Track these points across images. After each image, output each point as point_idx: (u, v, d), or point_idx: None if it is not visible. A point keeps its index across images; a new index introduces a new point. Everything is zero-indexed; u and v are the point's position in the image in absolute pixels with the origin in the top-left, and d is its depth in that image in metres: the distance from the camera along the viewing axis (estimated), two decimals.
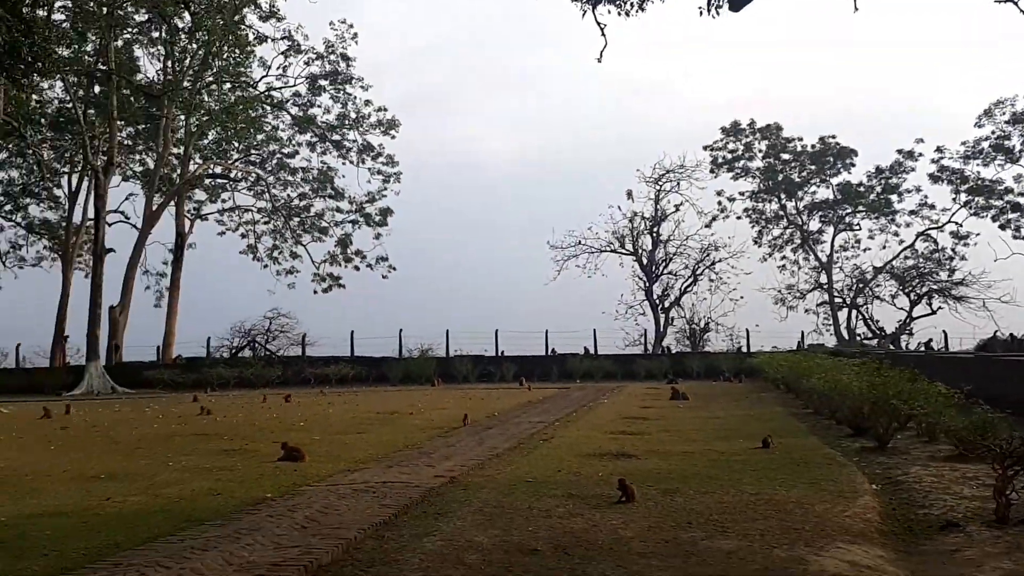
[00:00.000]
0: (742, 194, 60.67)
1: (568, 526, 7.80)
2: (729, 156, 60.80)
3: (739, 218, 60.68)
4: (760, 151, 60.97)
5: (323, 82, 54.31)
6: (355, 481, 10.47)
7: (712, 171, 59.82)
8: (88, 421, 21.70)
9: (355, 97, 54.75)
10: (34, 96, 44.70)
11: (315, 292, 59.31)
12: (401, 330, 48.34)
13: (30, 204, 63.37)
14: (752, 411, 21.34)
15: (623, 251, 58.35)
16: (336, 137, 56.78)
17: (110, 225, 52.14)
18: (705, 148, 60.41)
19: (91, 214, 50.08)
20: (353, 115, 55.70)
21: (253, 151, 58.53)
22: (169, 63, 49.94)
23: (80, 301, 53.69)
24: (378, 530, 7.68)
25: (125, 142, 54.57)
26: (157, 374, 42.39)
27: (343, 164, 57.49)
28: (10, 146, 53.20)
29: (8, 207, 63.03)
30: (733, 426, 17.19)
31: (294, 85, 54.07)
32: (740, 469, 11.14)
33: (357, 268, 58.84)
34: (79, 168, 55.90)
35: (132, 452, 14.23)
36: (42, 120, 51.75)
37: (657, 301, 57.03)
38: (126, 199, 56.76)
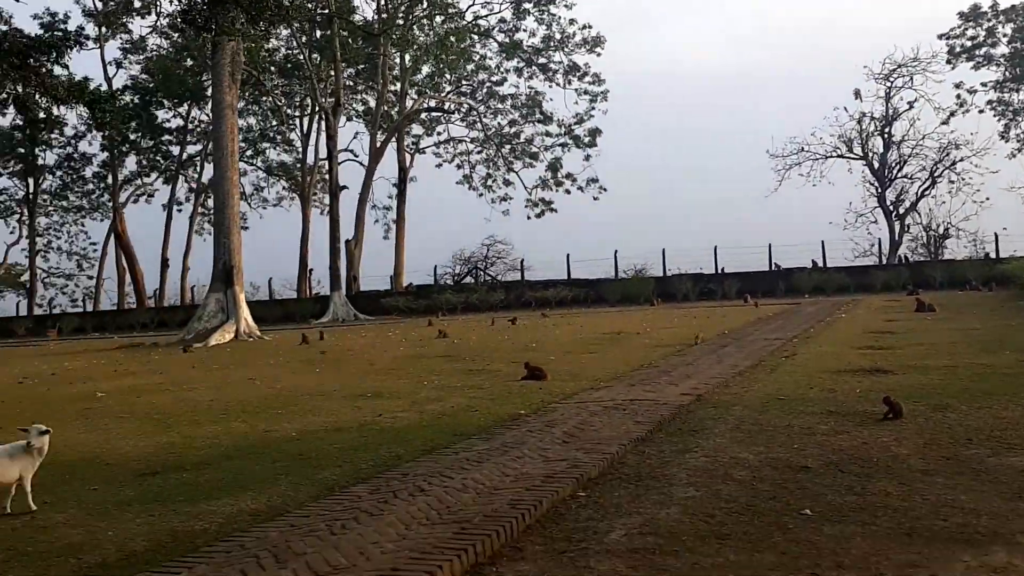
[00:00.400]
0: (984, 85, 54.78)
1: (835, 443, 7.49)
2: (968, 44, 54.70)
3: (982, 112, 54.94)
4: (1004, 36, 54.33)
5: (527, 4, 54.15)
6: (602, 399, 10.65)
7: (949, 62, 54.27)
8: (341, 346, 23.63)
9: (559, 17, 54.30)
10: (264, 45, 48.03)
11: (528, 218, 60.43)
12: (616, 251, 48.33)
13: (268, 148, 69.20)
14: (1014, 321, 19.47)
15: (851, 156, 54.70)
16: (542, 60, 56.76)
17: (340, 164, 55.38)
18: (940, 37, 54.71)
19: (323, 154, 53.74)
20: (558, 36, 55.35)
21: (464, 82, 59.88)
22: (383, 2, 51.75)
23: (318, 236, 58.23)
24: (637, 446, 7.76)
25: (348, 83, 57.55)
26: (392, 301, 45.27)
27: (550, 87, 57.58)
28: (246, 95, 57.62)
29: (249, 152, 69.06)
30: (995, 338, 15.77)
31: (499, 11, 54.34)
32: (1015, 383, 10.21)
33: (568, 191, 59.23)
34: (309, 111, 59.89)
35: (388, 373, 15.33)
36: (272, 68, 55.74)
37: (891, 208, 53.13)
38: (353, 138, 60.36)
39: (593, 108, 56.72)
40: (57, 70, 16.73)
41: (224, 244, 28.32)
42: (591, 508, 5.77)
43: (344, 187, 51.60)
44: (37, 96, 15.41)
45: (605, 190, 58.17)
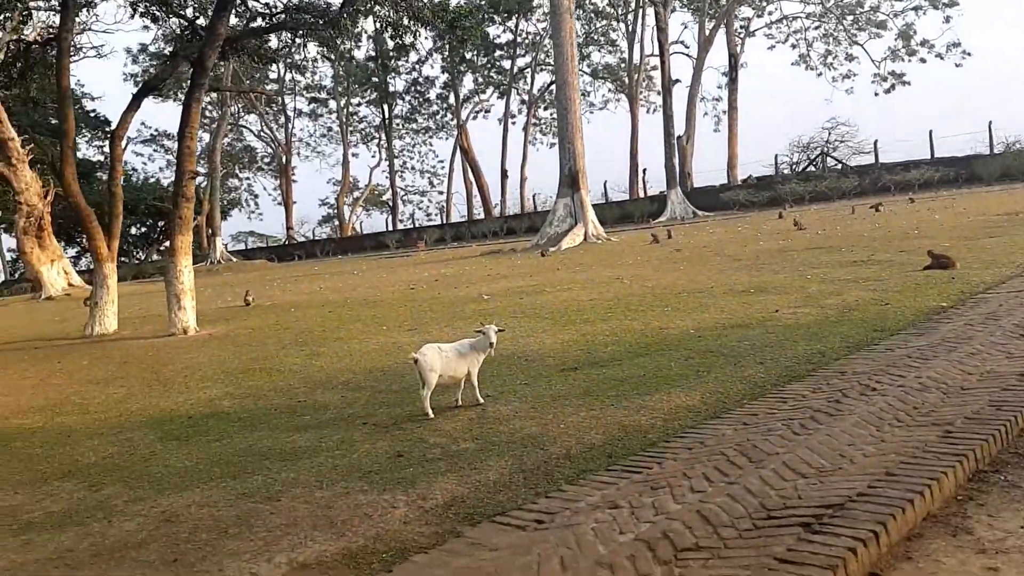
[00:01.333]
0: None
1: None
2: None
3: None
4: None
5: None
6: None
7: None
8: (693, 242, 23.23)
9: None
10: None
11: (875, 95, 54.97)
12: (990, 123, 42.19)
13: (592, 52, 69.51)
14: None
15: None
16: None
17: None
18: None
19: (649, 51, 52.70)
20: None
21: None
22: None
23: (645, 135, 57.78)
24: None
25: None
26: (731, 195, 43.81)
27: None
28: None
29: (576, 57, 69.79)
30: None
31: None
32: None
33: (923, 60, 52.71)
34: (633, 8, 58.82)
35: (759, 268, 14.65)
36: None
37: None
38: (683, 29, 58.51)
39: None
40: None
41: (568, 149, 28.93)
42: None
43: (676, 80, 50.36)
44: (405, 20, 16.35)
45: (968, 55, 50.85)
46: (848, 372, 6.30)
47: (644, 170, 58.53)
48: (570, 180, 29.00)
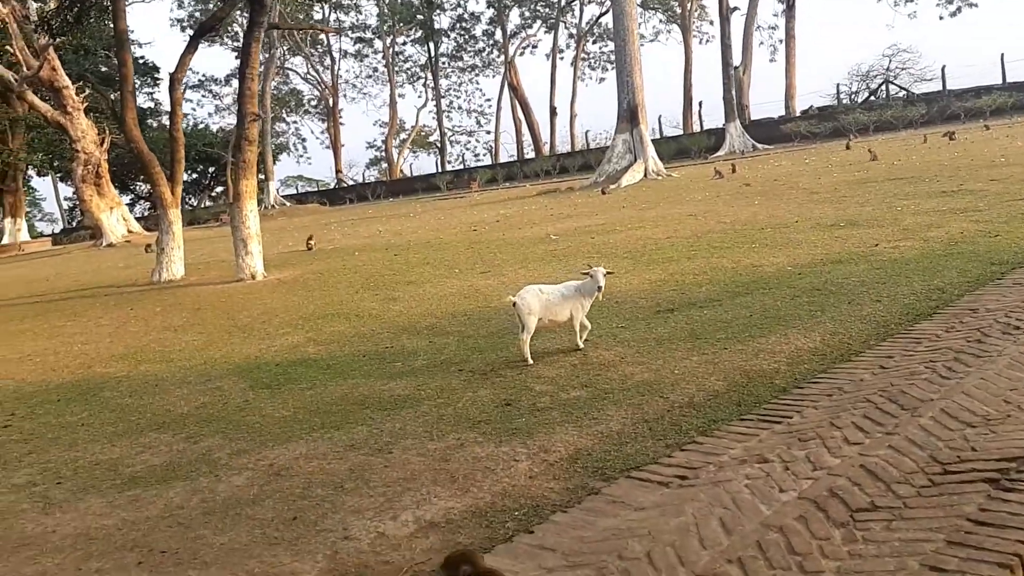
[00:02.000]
0: None
1: None
2: None
3: None
4: None
5: None
6: None
7: None
8: (761, 176, 22.45)
9: None
10: None
11: (940, 18, 52.48)
12: None
13: None
14: None
15: None
16: None
17: None
18: None
19: None
20: None
21: None
22: None
23: (697, 67, 56.07)
24: None
25: None
26: (793, 127, 42.42)
27: None
28: None
29: None
30: None
31: None
32: None
33: None
34: None
35: (838, 200, 14.00)
36: None
37: None
38: None
39: None
40: None
41: (627, 83, 28.05)
42: None
43: (735, 8, 48.56)
44: None
45: None
46: (980, 309, 5.83)
47: (700, 103, 56.97)
48: (629, 115, 28.19)
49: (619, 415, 4.69)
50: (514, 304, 6.01)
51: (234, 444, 5.13)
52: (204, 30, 15.50)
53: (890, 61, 52.31)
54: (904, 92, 45.87)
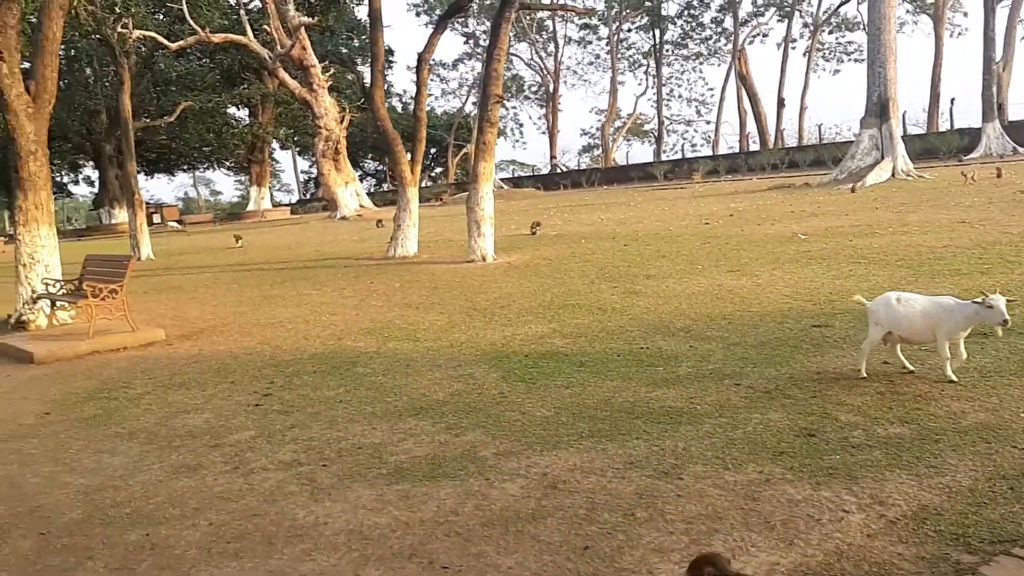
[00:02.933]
0: None
1: None
2: None
3: None
4: None
5: None
6: None
7: None
8: None
9: None
10: None
11: None
12: None
13: None
14: None
15: None
16: None
17: None
18: None
19: None
20: None
21: None
22: None
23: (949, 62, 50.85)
24: None
25: None
26: None
27: None
28: None
29: None
30: None
31: None
32: None
33: None
34: None
35: None
36: None
37: None
38: None
39: None
40: None
41: (879, 74, 25.76)
42: None
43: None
44: None
45: None
46: None
47: (952, 100, 51.98)
48: (878, 108, 25.88)
49: (964, 466, 3.86)
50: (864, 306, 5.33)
51: (498, 443, 4.77)
52: (454, 10, 15.63)
53: None
54: None
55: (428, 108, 79.14)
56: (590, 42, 77.44)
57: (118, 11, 20.94)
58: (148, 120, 38.09)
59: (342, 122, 35.97)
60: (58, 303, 10.47)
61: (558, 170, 70.48)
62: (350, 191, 36.13)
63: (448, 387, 6.14)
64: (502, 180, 61.18)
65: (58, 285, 10.57)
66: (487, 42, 13.47)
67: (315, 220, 37.88)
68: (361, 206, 36.64)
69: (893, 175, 25.00)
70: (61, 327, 10.56)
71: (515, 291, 10.60)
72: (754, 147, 59.15)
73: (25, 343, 9.17)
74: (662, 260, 12.27)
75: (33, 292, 10.82)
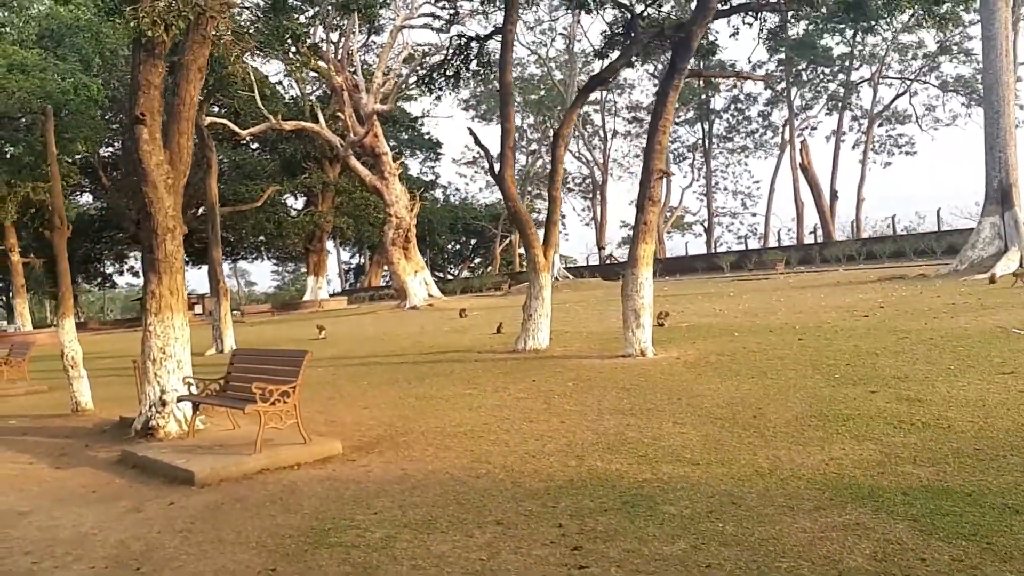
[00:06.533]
0: None
1: None
2: None
3: None
4: None
5: None
6: None
7: None
8: None
9: None
10: None
11: None
12: None
13: (943, 63, 62.27)
14: None
15: None
16: None
17: None
18: None
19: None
20: None
21: None
22: None
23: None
24: None
25: None
26: None
27: None
28: None
29: (924, 69, 63.57)
30: None
31: None
32: None
33: None
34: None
35: None
36: None
37: None
38: None
39: None
40: None
41: (999, 159, 24.27)
42: None
43: None
44: None
45: None
46: None
47: None
48: (1000, 195, 24.28)
49: None
50: None
51: None
52: (596, 83, 14.36)
53: None
54: None
55: (469, 198, 79.30)
56: (637, 135, 77.30)
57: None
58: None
59: (412, 210, 34.96)
60: (200, 406, 8.86)
61: (607, 261, 69.21)
62: (419, 280, 34.82)
63: (846, 544, 4.36)
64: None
65: (198, 385, 8.97)
66: (651, 112, 12.07)
67: (382, 310, 36.45)
68: (430, 295, 35.25)
69: (1021, 265, 23.17)
70: (196, 435, 8.92)
71: (736, 394, 8.83)
72: (809, 239, 57.57)
73: (175, 458, 7.51)
74: (876, 357, 10.48)
75: (163, 392, 9.23)
